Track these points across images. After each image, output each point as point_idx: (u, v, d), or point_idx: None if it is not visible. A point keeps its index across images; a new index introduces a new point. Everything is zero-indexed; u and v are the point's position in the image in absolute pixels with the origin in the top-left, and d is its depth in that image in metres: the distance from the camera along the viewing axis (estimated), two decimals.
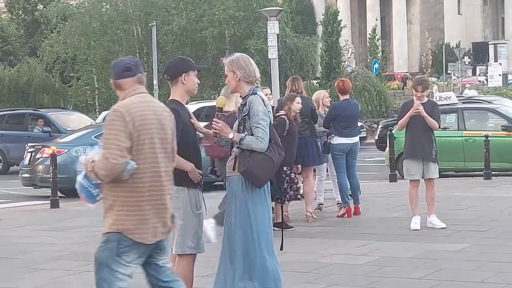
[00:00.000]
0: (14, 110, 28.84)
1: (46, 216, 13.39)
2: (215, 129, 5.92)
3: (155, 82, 17.66)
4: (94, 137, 16.84)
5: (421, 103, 9.93)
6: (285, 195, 10.25)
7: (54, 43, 41.63)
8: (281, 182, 10.09)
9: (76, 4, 44.25)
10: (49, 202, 14.48)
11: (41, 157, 16.53)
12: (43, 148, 16.68)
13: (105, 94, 41.75)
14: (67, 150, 16.42)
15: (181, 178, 5.79)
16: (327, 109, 12.04)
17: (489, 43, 76.53)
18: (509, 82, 58.08)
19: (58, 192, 14.63)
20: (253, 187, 5.85)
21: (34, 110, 27.09)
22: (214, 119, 5.98)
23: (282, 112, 10.30)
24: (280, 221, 10.19)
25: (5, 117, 25.81)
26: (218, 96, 7.95)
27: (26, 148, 17.42)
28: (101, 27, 40.07)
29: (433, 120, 9.90)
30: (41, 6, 53.93)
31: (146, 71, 39.50)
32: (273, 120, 9.83)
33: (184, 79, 5.88)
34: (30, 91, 43.09)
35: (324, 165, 11.98)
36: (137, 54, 40.29)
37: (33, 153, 16.90)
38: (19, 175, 17.37)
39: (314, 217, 11.20)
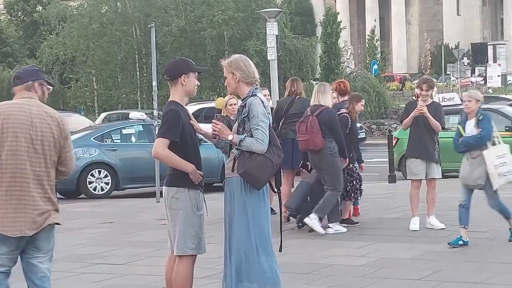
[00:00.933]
0: None
1: None
2: (215, 131, 5.91)
3: (154, 83, 17.55)
4: (93, 138, 16.88)
5: (425, 104, 9.93)
6: (356, 192, 10.65)
7: (54, 44, 41.65)
8: (349, 180, 10.46)
9: (75, 5, 44.30)
10: None
11: None
12: None
13: (104, 96, 41.77)
14: None
15: (181, 179, 5.79)
16: None
17: (488, 44, 76.62)
18: (508, 82, 58.08)
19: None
20: (252, 189, 5.84)
21: None
22: (213, 120, 5.97)
23: (343, 110, 10.57)
24: (348, 217, 10.65)
25: None
26: (217, 97, 7.95)
27: None
28: (101, 28, 40.09)
29: (436, 122, 9.90)
30: (40, 7, 53.97)
31: (145, 72, 39.48)
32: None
33: (184, 80, 5.88)
34: None
35: None
36: (136, 55, 40.34)
37: None
38: None
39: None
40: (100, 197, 16.15)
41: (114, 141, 17.22)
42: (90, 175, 16.43)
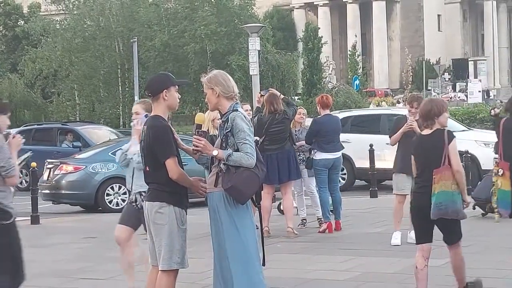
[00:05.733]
0: (42, 124, 28.00)
1: (27, 233, 13.20)
2: (197, 147, 5.87)
3: (136, 98, 17.52)
4: (111, 153, 16.90)
5: (415, 120, 9.99)
6: None
7: (36, 58, 41.57)
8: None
9: (58, 20, 44.24)
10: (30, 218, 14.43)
11: (60, 174, 16.73)
12: (61, 165, 16.90)
13: (86, 110, 41.69)
14: (84, 166, 16.72)
15: (165, 194, 5.79)
16: (305, 126, 12.11)
17: (469, 59, 77.19)
18: (490, 98, 58.34)
19: (38, 208, 14.59)
20: (236, 203, 5.82)
21: (62, 124, 26.35)
22: (195, 136, 5.94)
23: None
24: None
25: (33, 132, 24.87)
26: (198, 112, 7.92)
27: (45, 164, 17.53)
28: (84, 43, 40.06)
29: None
30: (22, 22, 53.84)
31: (128, 86, 39.58)
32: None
33: (166, 95, 5.89)
34: (11, 107, 42.87)
35: (299, 180, 11.97)
36: (119, 70, 40.31)
37: (51, 170, 17.08)
38: (39, 190, 17.33)
39: (296, 233, 11.20)
40: (118, 212, 16.13)
41: None
42: (110, 188, 16.52)
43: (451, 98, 58.06)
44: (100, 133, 23.94)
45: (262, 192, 6.17)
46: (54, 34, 41.88)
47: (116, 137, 22.34)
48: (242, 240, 5.80)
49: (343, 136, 18.53)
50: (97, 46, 40.05)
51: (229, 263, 5.79)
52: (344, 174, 18.54)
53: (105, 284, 8.53)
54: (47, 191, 16.98)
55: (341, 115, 20.16)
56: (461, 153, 17.14)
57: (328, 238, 11.08)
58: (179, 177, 5.76)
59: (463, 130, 18.84)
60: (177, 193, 5.82)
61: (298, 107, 12.75)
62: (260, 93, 12.09)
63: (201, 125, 6.09)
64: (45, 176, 17.20)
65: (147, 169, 5.91)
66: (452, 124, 19.44)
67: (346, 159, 18.01)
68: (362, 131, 18.73)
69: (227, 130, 5.85)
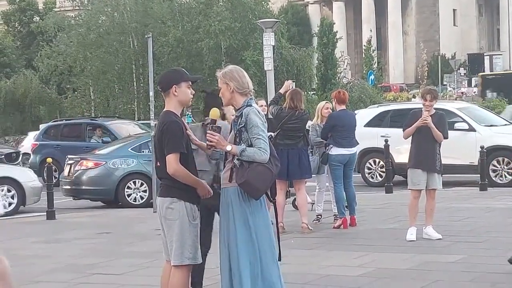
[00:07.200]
0: (70, 119, 28.11)
1: (43, 228, 13.38)
2: (211, 142, 5.87)
3: (151, 93, 17.59)
4: (131, 149, 17.05)
5: (429, 114, 9.93)
6: None
7: (52, 53, 41.71)
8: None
9: (73, 15, 44.35)
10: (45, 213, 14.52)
11: (80, 169, 16.90)
12: (82, 160, 17.04)
13: (101, 106, 41.80)
14: (104, 162, 16.90)
15: (176, 190, 5.79)
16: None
17: (485, 54, 76.90)
18: None
19: (54, 203, 14.66)
20: (250, 198, 5.82)
21: (91, 119, 26.44)
22: (209, 131, 5.93)
23: None
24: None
25: (61, 127, 24.90)
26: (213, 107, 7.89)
27: (66, 160, 17.66)
28: (98, 38, 40.11)
29: (439, 132, 9.90)
30: (37, 18, 54.12)
31: (142, 82, 39.68)
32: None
33: (175, 91, 5.87)
34: (26, 102, 43.09)
35: (323, 176, 12.03)
36: (133, 66, 40.35)
37: (72, 165, 17.20)
38: (60, 186, 17.51)
39: (310, 228, 11.20)
40: (137, 207, 16.27)
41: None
42: (128, 185, 16.65)
43: (463, 93, 57.69)
44: (128, 128, 23.97)
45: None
46: (69, 29, 41.97)
47: (143, 132, 22.41)
48: (252, 237, 5.79)
49: (382, 131, 18.53)
50: (112, 42, 40.09)
51: (239, 261, 5.78)
52: (383, 169, 18.23)
53: (119, 279, 8.56)
54: (67, 187, 17.17)
55: (380, 109, 20.02)
56: (503, 147, 17.20)
57: (342, 233, 11.07)
58: (175, 173, 5.74)
59: (505, 125, 18.60)
60: (188, 189, 5.82)
61: (325, 102, 12.77)
62: (291, 81, 12.10)
63: (216, 120, 6.09)
64: (65, 172, 17.41)
65: (158, 164, 5.92)
66: (493, 119, 19.22)
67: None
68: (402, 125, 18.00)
69: (241, 125, 5.84)
